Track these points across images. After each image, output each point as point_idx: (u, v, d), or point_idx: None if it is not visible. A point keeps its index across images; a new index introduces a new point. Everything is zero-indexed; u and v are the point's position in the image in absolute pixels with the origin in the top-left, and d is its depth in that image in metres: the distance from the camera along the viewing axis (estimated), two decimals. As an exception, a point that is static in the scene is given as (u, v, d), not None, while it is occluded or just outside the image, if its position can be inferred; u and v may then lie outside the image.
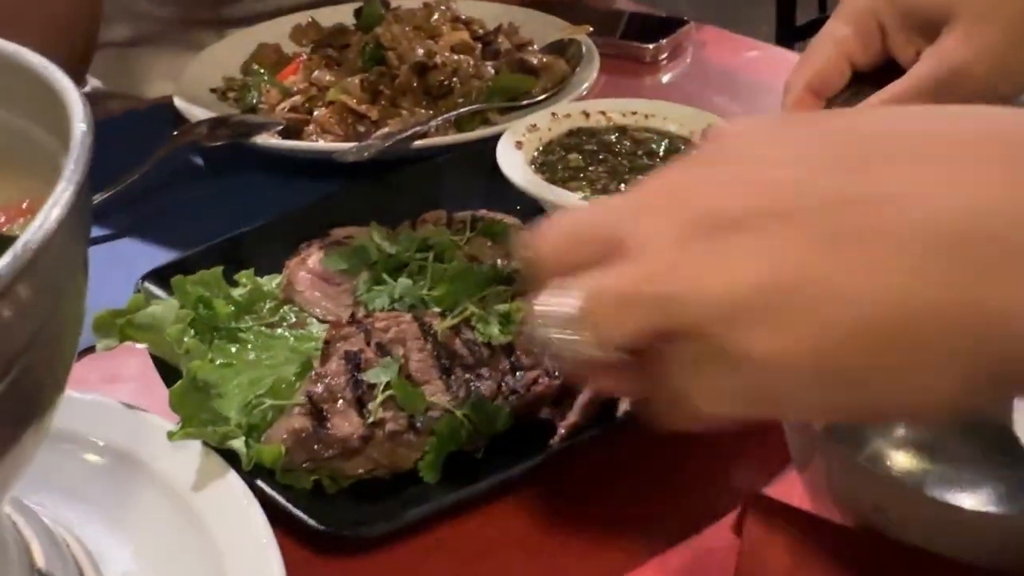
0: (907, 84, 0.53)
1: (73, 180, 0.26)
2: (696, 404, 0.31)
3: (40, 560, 0.39)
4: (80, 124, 0.29)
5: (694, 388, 0.31)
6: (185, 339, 0.50)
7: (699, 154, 0.34)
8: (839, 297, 0.27)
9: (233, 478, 0.44)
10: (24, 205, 0.33)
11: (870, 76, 0.57)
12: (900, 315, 0.26)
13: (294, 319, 0.57)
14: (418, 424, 0.46)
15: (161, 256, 0.62)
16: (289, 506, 0.44)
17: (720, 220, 0.29)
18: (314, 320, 0.56)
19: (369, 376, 0.47)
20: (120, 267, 0.59)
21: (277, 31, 0.95)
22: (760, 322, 0.28)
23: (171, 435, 0.45)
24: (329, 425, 0.46)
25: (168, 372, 0.51)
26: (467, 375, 0.48)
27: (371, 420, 0.46)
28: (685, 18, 0.99)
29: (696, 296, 0.29)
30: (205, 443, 0.45)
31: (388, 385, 0.47)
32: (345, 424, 0.46)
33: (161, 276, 0.58)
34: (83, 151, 0.28)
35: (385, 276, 0.56)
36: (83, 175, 0.27)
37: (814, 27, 2.42)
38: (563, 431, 0.46)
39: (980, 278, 0.26)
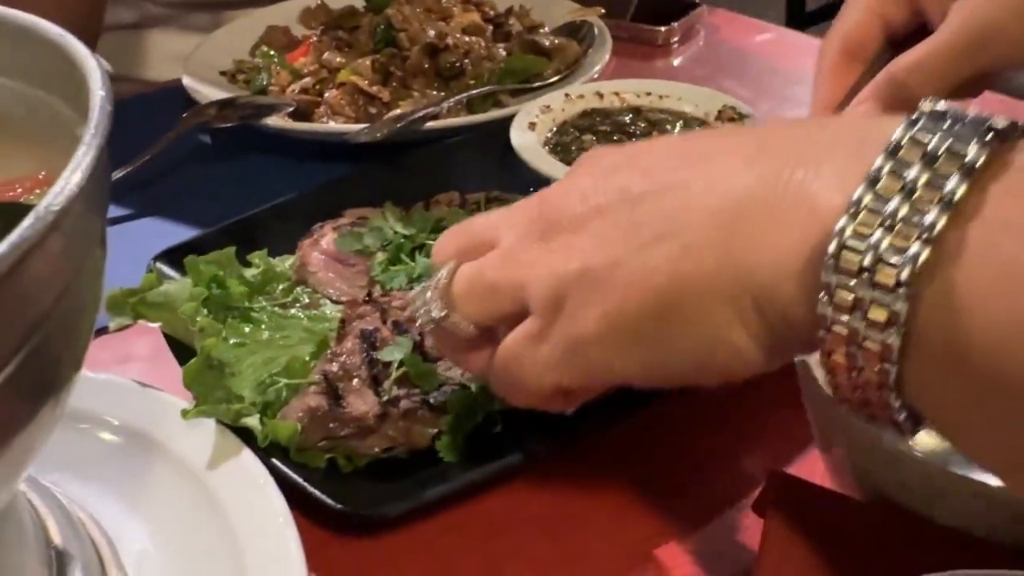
0: (933, 44, 0.50)
1: (93, 145, 0.26)
2: (531, 376, 0.38)
3: (56, 537, 0.39)
4: (99, 91, 0.29)
5: (528, 362, 0.38)
6: (199, 318, 0.49)
7: (567, 175, 0.41)
8: (631, 274, 0.34)
9: (248, 456, 0.43)
10: (41, 176, 0.33)
11: (907, 41, 0.54)
12: (675, 282, 0.33)
13: (307, 300, 0.56)
14: (432, 400, 0.45)
15: (172, 238, 0.61)
16: (305, 484, 0.43)
17: (559, 222, 0.37)
18: (327, 301, 0.56)
19: (383, 354, 0.47)
20: (131, 248, 0.59)
21: (286, 14, 0.94)
22: (576, 300, 0.35)
23: (185, 413, 0.45)
24: (344, 404, 0.45)
25: (181, 351, 0.51)
26: None
27: (386, 398, 0.45)
28: (697, 1, 0.99)
29: (529, 282, 0.37)
30: (219, 421, 0.45)
31: (402, 363, 0.46)
32: (360, 403, 0.45)
33: (173, 256, 0.57)
34: (103, 116, 0.27)
35: (403, 256, 0.55)
36: (103, 140, 0.27)
37: (824, 14, 2.41)
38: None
39: (731, 242, 0.31)
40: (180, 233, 0.65)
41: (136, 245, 0.60)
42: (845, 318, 0.28)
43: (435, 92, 0.79)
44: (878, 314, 0.27)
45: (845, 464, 0.40)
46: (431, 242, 0.57)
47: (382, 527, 0.44)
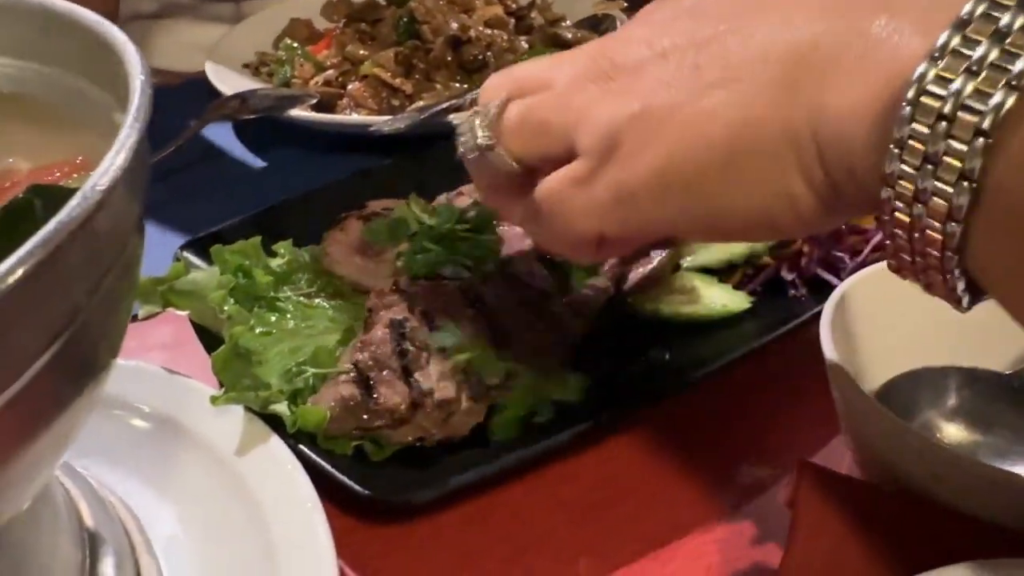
0: None
1: (135, 128, 0.26)
2: (571, 220, 0.37)
3: (89, 520, 0.39)
4: (139, 76, 0.29)
5: (571, 205, 0.37)
6: (226, 306, 0.50)
7: (627, 25, 0.40)
8: (691, 118, 0.33)
9: (276, 442, 0.44)
10: (78, 160, 0.33)
11: None
12: (737, 127, 0.32)
13: (332, 290, 0.56)
14: (471, 392, 0.45)
15: (197, 227, 0.61)
16: (333, 471, 0.43)
17: (620, 65, 0.35)
18: (351, 291, 0.56)
19: (436, 338, 0.47)
20: (157, 237, 0.59)
21: (308, 7, 0.95)
22: (631, 144, 0.34)
23: (214, 400, 0.45)
24: (377, 394, 0.45)
25: (208, 339, 0.51)
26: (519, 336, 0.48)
27: (420, 388, 0.45)
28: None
29: (583, 122, 0.36)
30: (247, 408, 0.45)
31: (452, 350, 0.46)
32: (393, 393, 0.46)
33: (200, 246, 0.58)
34: (144, 100, 0.27)
35: (428, 244, 0.55)
36: (144, 124, 0.27)
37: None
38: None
39: (797, 89, 0.30)
40: (204, 223, 0.65)
41: (162, 234, 0.60)
42: (914, 172, 0.27)
43: (458, 84, 0.79)
44: (950, 168, 0.26)
45: (873, 455, 0.40)
46: (455, 233, 0.57)
47: (408, 514, 0.44)
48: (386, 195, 0.63)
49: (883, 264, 0.45)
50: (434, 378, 0.46)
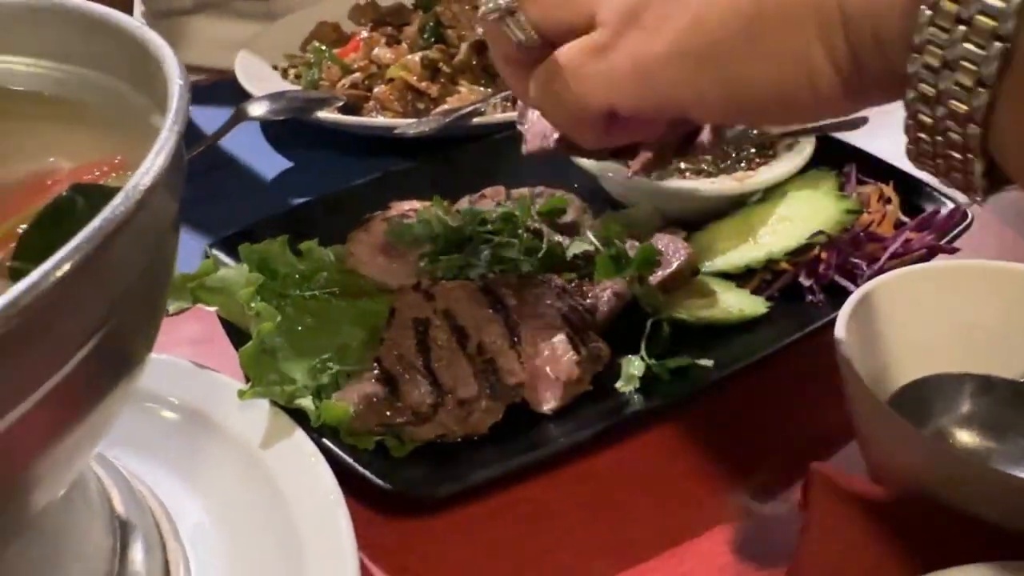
0: None
1: (174, 130, 0.27)
2: (584, 91, 0.36)
3: (120, 507, 0.41)
4: (177, 80, 0.30)
5: (585, 74, 0.36)
6: (253, 303, 0.51)
7: None
8: None
9: (301, 436, 0.45)
10: (116, 160, 0.34)
11: None
12: None
13: (356, 289, 0.58)
14: (491, 391, 0.47)
15: (225, 226, 0.63)
16: (355, 464, 0.44)
17: None
18: (375, 290, 0.57)
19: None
20: (186, 237, 0.60)
21: (335, 10, 0.96)
22: (654, 12, 0.33)
23: (242, 394, 0.46)
24: (400, 392, 0.47)
25: (235, 335, 0.52)
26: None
27: (441, 388, 0.47)
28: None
29: None
30: (273, 402, 0.46)
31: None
32: (415, 391, 0.47)
33: (228, 244, 0.59)
34: (182, 104, 0.29)
35: (451, 246, 0.56)
36: (182, 127, 0.28)
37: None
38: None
39: None
40: (233, 222, 0.67)
41: (191, 233, 0.62)
42: (945, 36, 0.26)
43: (482, 88, 0.80)
44: (983, 30, 0.25)
45: (887, 460, 0.41)
46: (478, 235, 0.58)
47: (428, 508, 0.45)
48: (410, 197, 0.64)
49: (899, 271, 0.46)
50: (456, 377, 0.48)
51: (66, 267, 0.23)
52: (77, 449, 0.31)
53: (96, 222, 0.24)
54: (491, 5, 0.38)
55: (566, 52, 0.37)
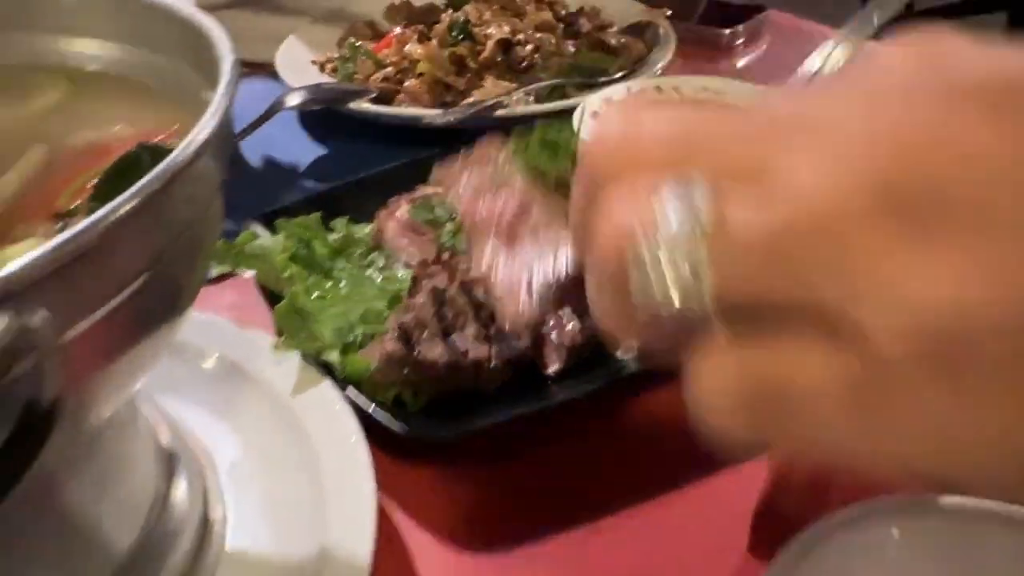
0: None
1: (225, 97, 0.32)
2: (827, 438, 0.21)
3: (165, 439, 0.46)
4: (229, 57, 0.35)
5: (838, 424, 0.21)
6: (288, 269, 0.56)
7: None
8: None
9: (327, 386, 0.50)
10: (174, 128, 0.39)
11: None
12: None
13: (382, 263, 0.63)
14: (501, 353, 0.51)
15: (264, 207, 0.68)
16: (376, 413, 0.49)
17: (919, 191, 0.19)
18: (400, 264, 0.62)
19: None
20: (228, 215, 0.66)
21: (372, 10, 1.01)
22: (981, 353, 0.19)
23: (275, 347, 0.51)
24: (418, 351, 0.51)
25: (271, 298, 0.57)
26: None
27: (456, 348, 0.51)
28: (763, 4, 1.03)
29: (875, 294, 0.20)
30: (304, 356, 0.51)
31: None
32: (432, 351, 0.51)
33: (267, 219, 0.64)
34: (233, 75, 0.34)
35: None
36: (232, 96, 0.33)
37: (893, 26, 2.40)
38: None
39: None
40: (271, 203, 0.72)
41: (232, 212, 0.67)
42: None
43: (506, 83, 0.85)
44: None
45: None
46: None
47: (440, 452, 0.50)
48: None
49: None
50: (469, 339, 0.52)
51: (135, 202, 0.28)
52: (127, 375, 0.36)
53: (158, 168, 0.29)
54: (658, 291, 0.22)
55: (812, 373, 0.21)
